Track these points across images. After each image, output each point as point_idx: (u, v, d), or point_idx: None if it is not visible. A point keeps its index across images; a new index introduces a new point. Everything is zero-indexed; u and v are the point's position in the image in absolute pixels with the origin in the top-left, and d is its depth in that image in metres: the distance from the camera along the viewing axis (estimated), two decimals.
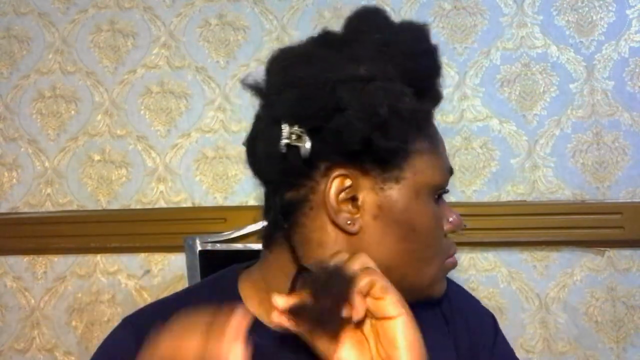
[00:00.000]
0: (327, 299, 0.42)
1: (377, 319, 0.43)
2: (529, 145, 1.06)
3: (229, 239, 1.04)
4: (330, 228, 0.50)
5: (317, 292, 0.42)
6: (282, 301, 0.43)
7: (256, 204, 1.12)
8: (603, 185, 1.04)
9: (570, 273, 1.04)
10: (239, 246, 1.02)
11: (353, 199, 0.50)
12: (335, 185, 0.49)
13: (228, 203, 1.13)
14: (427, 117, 0.54)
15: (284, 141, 0.48)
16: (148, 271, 1.15)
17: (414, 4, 1.11)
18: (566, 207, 1.02)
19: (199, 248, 1.02)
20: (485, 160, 1.07)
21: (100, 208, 1.17)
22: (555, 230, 1.02)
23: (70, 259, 1.18)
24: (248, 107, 1.15)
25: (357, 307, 0.42)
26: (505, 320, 1.04)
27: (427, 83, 0.53)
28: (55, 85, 1.21)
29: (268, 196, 0.56)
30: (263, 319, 0.51)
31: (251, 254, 1.00)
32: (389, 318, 0.42)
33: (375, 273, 0.44)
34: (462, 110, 1.09)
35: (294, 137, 0.48)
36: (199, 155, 1.15)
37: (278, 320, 0.43)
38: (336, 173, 0.49)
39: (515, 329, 1.04)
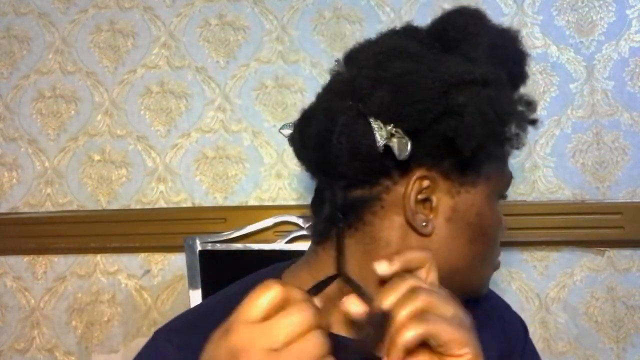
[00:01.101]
0: (371, 343, 0.38)
1: (449, 355, 0.39)
2: (529, 145, 1.06)
3: (229, 239, 1.04)
4: (400, 228, 0.49)
5: (364, 334, 0.39)
6: (351, 306, 0.40)
7: (256, 204, 1.12)
8: (603, 185, 1.04)
9: (570, 273, 1.04)
10: (239, 246, 1.02)
11: (426, 200, 0.49)
12: (416, 186, 0.48)
13: (228, 203, 1.13)
14: None
15: (383, 141, 0.46)
16: (148, 271, 1.15)
17: (414, 4, 1.11)
18: (566, 207, 1.02)
19: (199, 248, 1.02)
20: None
21: (100, 208, 1.17)
22: (555, 230, 1.02)
23: (70, 259, 1.18)
24: (248, 107, 1.16)
25: (392, 358, 0.37)
26: None
27: (519, 88, 0.54)
28: (55, 85, 1.21)
29: (321, 190, 0.53)
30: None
31: (251, 254, 1.00)
32: (454, 357, 0.38)
33: (430, 321, 0.37)
34: None
35: (388, 136, 0.46)
36: (199, 155, 1.15)
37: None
38: (418, 174, 0.48)
39: None
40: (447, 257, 0.49)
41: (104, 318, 1.15)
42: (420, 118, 0.46)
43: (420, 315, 0.38)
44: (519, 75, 0.53)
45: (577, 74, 1.06)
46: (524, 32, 1.08)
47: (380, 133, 0.46)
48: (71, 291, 1.17)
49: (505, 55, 0.51)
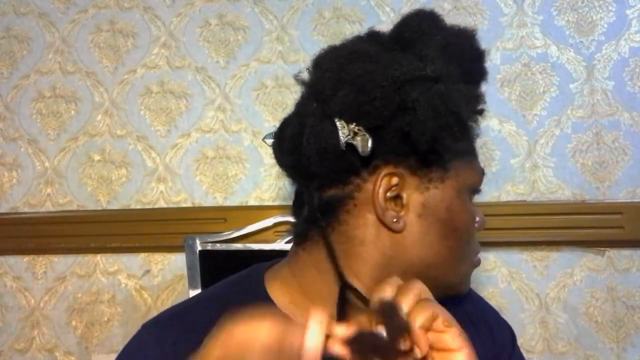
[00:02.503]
0: (386, 334, 0.39)
1: (437, 349, 0.41)
2: (529, 145, 1.06)
3: (229, 239, 1.04)
4: (373, 226, 0.50)
5: (377, 326, 0.40)
6: (343, 331, 0.39)
7: (256, 204, 1.12)
8: (603, 185, 1.04)
9: (570, 273, 1.04)
10: (239, 246, 1.02)
11: (396, 197, 0.51)
12: (384, 183, 0.50)
13: (228, 203, 1.13)
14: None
15: (344, 139, 0.48)
16: (148, 271, 1.15)
17: (414, 4, 1.11)
18: (566, 207, 1.02)
19: (199, 248, 1.02)
20: (485, 161, 1.07)
21: (100, 208, 1.17)
22: (555, 230, 1.02)
23: (70, 259, 1.18)
24: (248, 107, 1.16)
25: (421, 344, 0.39)
26: (505, 320, 1.04)
27: (477, 86, 0.55)
28: (55, 85, 1.21)
29: (301, 193, 0.56)
30: (296, 318, 0.50)
31: (251, 254, 1.00)
32: (450, 350, 0.40)
33: (436, 305, 0.41)
34: None
35: (350, 134, 0.48)
36: (199, 155, 1.15)
37: (338, 351, 0.39)
38: (385, 171, 0.50)
39: (515, 329, 1.03)
40: (421, 253, 0.51)
41: (104, 318, 1.15)
42: (378, 115, 0.47)
43: (423, 300, 0.40)
44: (476, 72, 0.54)
45: (577, 74, 1.06)
46: (524, 32, 1.08)
47: (343, 132, 0.48)
48: (71, 291, 1.17)
49: (459, 53, 0.52)
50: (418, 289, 0.42)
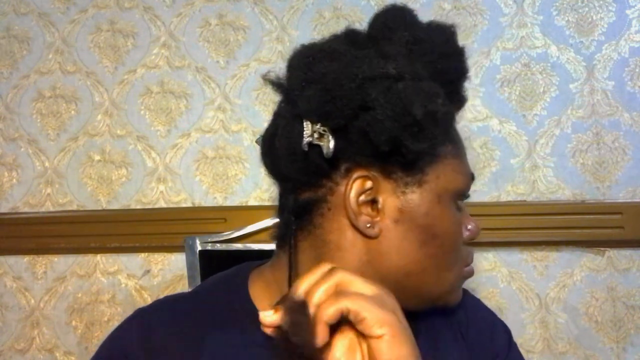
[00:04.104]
0: (299, 331, 0.40)
1: (364, 336, 0.40)
2: (529, 145, 1.06)
3: (229, 239, 1.04)
4: (349, 231, 0.49)
5: (288, 324, 0.40)
6: (265, 319, 0.40)
7: (256, 204, 1.12)
8: (603, 185, 1.04)
9: (570, 273, 1.04)
10: (239, 246, 1.02)
11: (373, 202, 0.49)
12: (355, 187, 0.48)
13: (228, 203, 1.13)
14: (454, 121, 0.53)
15: (307, 139, 0.46)
16: (148, 271, 1.15)
17: (414, 3, 1.11)
18: (566, 207, 1.02)
19: (199, 248, 1.02)
20: (485, 160, 1.07)
21: (100, 208, 1.17)
22: (555, 230, 1.02)
23: (70, 259, 1.18)
24: (248, 107, 1.15)
25: (319, 337, 0.38)
26: (505, 320, 1.03)
27: (454, 85, 0.52)
28: (55, 85, 1.21)
29: (282, 195, 0.54)
30: None
31: (251, 254, 1.00)
32: (373, 337, 0.39)
33: (348, 298, 0.39)
34: (462, 110, 1.08)
35: (316, 135, 0.46)
36: (199, 155, 1.15)
37: (270, 333, 0.41)
38: (357, 174, 0.48)
39: (515, 329, 1.04)
40: (398, 261, 0.48)
41: (104, 318, 1.15)
42: (341, 115, 0.46)
43: (338, 292, 0.39)
44: (451, 70, 0.51)
45: (577, 74, 1.06)
46: (524, 32, 1.08)
47: (307, 132, 0.46)
48: (71, 291, 1.17)
49: (429, 50, 0.49)
50: (334, 281, 0.40)
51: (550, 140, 1.06)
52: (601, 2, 1.06)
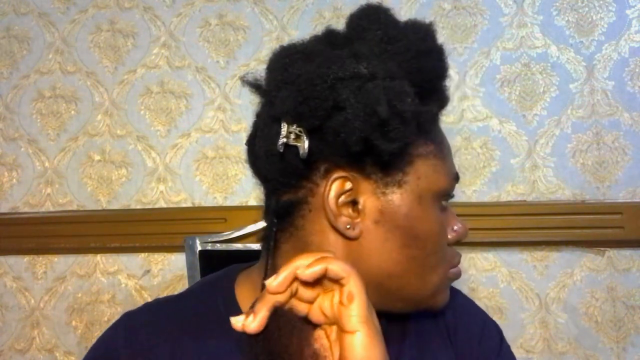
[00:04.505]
0: (277, 342, 0.40)
1: (339, 331, 0.40)
2: (529, 145, 1.06)
3: (229, 239, 1.04)
4: (329, 232, 0.48)
5: (268, 333, 0.40)
6: (236, 324, 0.40)
7: (256, 204, 1.12)
8: (603, 185, 1.04)
9: (570, 273, 1.04)
10: (239, 246, 1.02)
11: (353, 203, 0.48)
12: (334, 187, 0.47)
13: (228, 203, 1.13)
14: (432, 120, 0.52)
15: (282, 140, 0.46)
16: (148, 271, 1.15)
17: (414, 3, 1.11)
18: (566, 207, 1.02)
19: (199, 248, 1.02)
20: (485, 160, 1.07)
21: (100, 208, 1.17)
22: (555, 230, 1.02)
23: (70, 259, 1.18)
24: (248, 107, 1.15)
25: (280, 282, 0.40)
26: (505, 320, 1.04)
27: (432, 84, 0.51)
28: (55, 85, 1.21)
29: (266, 196, 0.55)
30: None
31: (251, 254, 1.00)
32: (348, 332, 0.39)
33: (352, 273, 0.40)
34: (462, 111, 1.09)
35: (292, 136, 0.46)
36: (199, 155, 1.15)
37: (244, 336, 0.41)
38: (335, 175, 0.48)
39: (515, 329, 1.04)
40: (379, 262, 0.48)
41: (104, 318, 1.15)
42: (314, 115, 0.45)
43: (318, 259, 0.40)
44: (427, 69, 0.50)
45: (577, 74, 1.06)
46: (524, 32, 1.08)
47: (283, 133, 0.46)
48: (71, 291, 1.17)
49: (404, 49, 0.48)
50: (338, 263, 0.40)
51: (550, 140, 1.06)
52: (601, 2, 1.06)
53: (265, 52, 1.15)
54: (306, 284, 0.41)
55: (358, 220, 0.48)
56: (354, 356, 0.39)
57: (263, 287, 0.41)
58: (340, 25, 0.54)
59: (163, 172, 1.16)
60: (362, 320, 0.39)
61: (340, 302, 0.40)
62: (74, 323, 1.16)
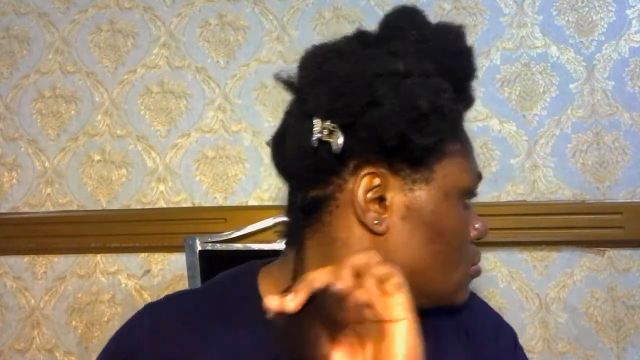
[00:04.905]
0: (309, 323, 0.40)
1: (380, 321, 0.41)
2: (529, 145, 1.06)
3: (229, 239, 1.04)
4: (356, 227, 0.49)
5: (302, 315, 0.40)
6: (271, 303, 0.40)
7: (256, 204, 1.12)
8: (603, 185, 1.04)
9: (570, 273, 1.04)
10: (239, 246, 1.02)
11: (381, 199, 0.49)
12: (363, 183, 0.48)
13: (228, 203, 1.13)
14: (461, 119, 0.54)
15: (316, 136, 0.47)
16: (148, 271, 1.15)
17: (414, 4, 1.11)
18: (566, 207, 1.02)
19: (199, 248, 1.02)
20: (485, 160, 1.07)
21: (100, 208, 1.17)
22: (555, 230, 1.02)
23: (70, 259, 1.18)
24: (248, 107, 1.16)
25: (344, 278, 0.39)
26: (506, 320, 1.04)
27: (462, 84, 0.53)
28: (55, 85, 1.21)
29: (291, 193, 0.55)
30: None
31: (251, 254, 1.00)
32: (392, 321, 0.40)
33: (395, 268, 0.41)
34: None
35: (325, 132, 0.47)
36: (199, 155, 1.15)
37: (272, 319, 0.41)
38: (365, 171, 0.49)
39: (515, 329, 1.03)
40: (404, 257, 0.49)
41: (104, 318, 1.15)
42: (349, 111, 0.46)
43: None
44: (459, 69, 0.52)
45: (577, 74, 1.06)
46: (524, 32, 1.08)
47: (316, 129, 0.47)
48: (71, 291, 1.17)
49: (438, 49, 0.50)
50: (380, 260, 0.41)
51: (550, 140, 1.06)
52: (601, 2, 1.06)
53: (265, 52, 1.15)
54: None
55: (385, 215, 0.49)
56: (399, 343, 0.39)
57: (295, 280, 0.42)
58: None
59: (163, 172, 1.16)
60: (408, 309, 0.40)
61: (384, 293, 0.40)
62: (74, 323, 1.16)
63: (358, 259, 0.41)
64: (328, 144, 0.47)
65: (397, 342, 0.39)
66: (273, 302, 0.40)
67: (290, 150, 0.50)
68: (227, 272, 0.59)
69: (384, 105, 0.46)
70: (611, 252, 1.02)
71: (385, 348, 0.40)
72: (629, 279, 1.02)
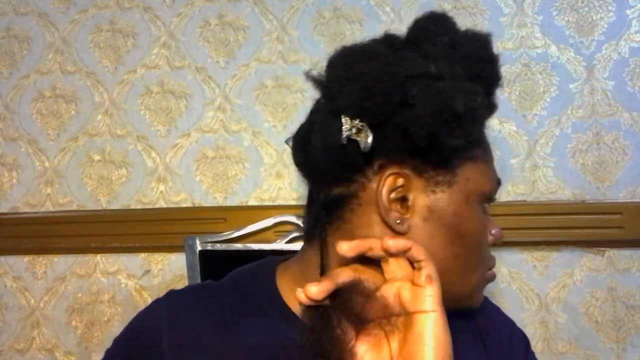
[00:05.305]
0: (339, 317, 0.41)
1: (409, 313, 0.42)
2: (529, 145, 1.06)
3: (229, 239, 1.04)
4: (378, 226, 0.50)
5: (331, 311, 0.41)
6: (310, 289, 0.41)
7: (256, 204, 1.12)
8: (603, 185, 1.04)
9: (570, 273, 1.04)
10: (239, 246, 1.02)
11: (403, 199, 0.50)
12: (388, 183, 0.49)
13: (228, 203, 1.13)
14: (485, 124, 0.55)
15: (345, 133, 0.48)
16: (148, 271, 1.15)
17: (414, 3, 1.11)
18: (566, 207, 1.02)
19: (199, 248, 1.02)
20: None
21: (100, 208, 1.17)
22: (555, 230, 1.02)
23: (70, 259, 1.18)
24: (248, 107, 1.16)
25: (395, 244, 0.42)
26: None
27: (488, 90, 0.54)
28: (55, 85, 1.21)
29: (312, 191, 0.56)
30: (297, 312, 0.51)
31: (251, 254, 1.00)
32: (422, 312, 0.41)
33: (431, 257, 0.43)
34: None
35: (354, 130, 0.48)
36: (199, 155, 1.15)
37: (304, 309, 0.42)
38: (390, 171, 0.49)
39: None
40: None
41: (104, 318, 1.15)
42: (380, 110, 0.47)
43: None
44: (486, 75, 0.53)
45: (577, 74, 1.06)
46: (524, 32, 1.08)
47: (346, 127, 0.48)
48: (71, 291, 1.17)
49: (467, 54, 0.51)
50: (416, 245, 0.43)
51: (550, 140, 1.06)
52: (601, 2, 1.06)
53: (265, 52, 1.15)
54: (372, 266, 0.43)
55: (407, 216, 0.50)
56: (428, 334, 0.40)
57: (322, 275, 0.44)
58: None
59: (163, 172, 1.16)
60: (439, 302, 0.41)
61: (415, 284, 0.42)
62: (74, 323, 1.16)
63: (394, 242, 0.42)
64: (356, 142, 0.48)
65: (426, 333, 0.40)
66: (306, 292, 0.41)
67: (317, 148, 0.50)
68: (244, 268, 0.60)
69: (415, 106, 0.46)
70: (611, 252, 1.02)
71: (412, 339, 0.41)
72: (629, 279, 1.02)
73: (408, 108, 0.47)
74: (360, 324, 0.43)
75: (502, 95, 1.08)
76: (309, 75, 0.55)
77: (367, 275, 0.43)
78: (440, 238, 0.50)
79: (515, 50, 1.08)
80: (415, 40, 0.53)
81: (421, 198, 0.50)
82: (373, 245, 0.43)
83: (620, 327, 1.02)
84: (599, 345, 1.02)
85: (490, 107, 0.56)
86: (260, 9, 1.16)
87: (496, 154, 1.06)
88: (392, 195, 0.49)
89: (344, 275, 0.42)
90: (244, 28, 1.17)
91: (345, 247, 0.43)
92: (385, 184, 0.49)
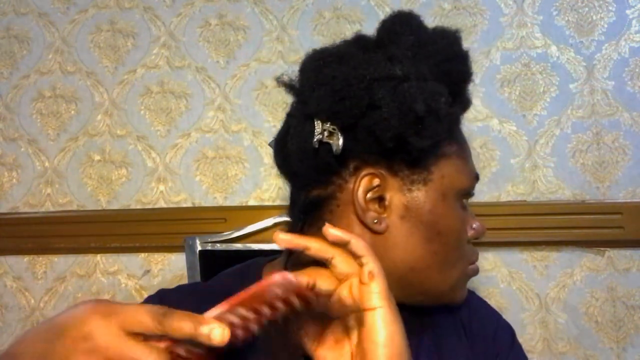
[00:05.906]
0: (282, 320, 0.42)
1: (359, 310, 0.43)
2: (529, 145, 1.06)
3: (229, 239, 1.04)
4: (357, 227, 0.51)
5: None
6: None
7: (256, 204, 1.12)
8: (603, 185, 1.04)
9: (570, 273, 1.04)
10: (238, 246, 1.02)
11: (380, 199, 0.51)
12: (363, 184, 0.50)
13: (228, 203, 1.13)
14: (458, 121, 0.55)
15: (317, 137, 0.49)
16: (148, 271, 1.15)
17: (414, 4, 1.11)
18: (566, 207, 1.02)
19: (199, 248, 1.02)
20: (485, 160, 1.07)
21: (100, 208, 1.17)
22: (555, 230, 1.02)
23: (70, 259, 1.18)
24: (248, 107, 1.16)
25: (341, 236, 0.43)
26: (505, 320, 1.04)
27: (458, 87, 0.54)
28: (55, 85, 1.21)
29: (293, 193, 0.57)
30: None
31: (251, 254, 1.00)
32: (370, 309, 0.42)
33: (371, 253, 0.44)
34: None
35: (326, 133, 0.49)
36: (199, 155, 1.15)
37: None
38: (365, 172, 0.50)
39: (516, 329, 1.03)
40: (403, 256, 0.50)
41: None
42: (349, 114, 0.48)
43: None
44: (455, 73, 0.53)
45: (577, 74, 1.06)
46: (524, 32, 1.08)
47: (317, 130, 0.49)
48: (71, 291, 1.17)
49: (434, 53, 0.52)
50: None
51: (550, 140, 1.06)
52: (601, 2, 1.06)
53: (265, 52, 1.15)
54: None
55: (384, 215, 0.50)
56: (376, 331, 0.41)
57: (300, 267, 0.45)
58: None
59: (163, 172, 1.16)
60: (384, 297, 0.42)
61: (361, 282, 0.42)
62: None
63: (333, 230, 0.44)
64: (329, 145, 0.49)
65: (375, 329, 0.41)
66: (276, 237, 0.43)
67: (292, 151, 0.51)
68: (231, 269, 0.61)
69: (382, 109, 0.47)
70: (611, 252, 1.02)
71: (365, 336, 0.42)
72: (629, 279, 1.02)
73: (375, 111, 0.48)
74: (322, 324, 0.44)
75: (502, 95, 1.08)
76: (279, 81, 0.56)
77: (323, 278, 0.43)
78: (418, 235, 0.50)
79: (515, 50, 1.08)
80: (383, 41, 0.54)
81: (398, 197, 0.50)
82: (310, 245, 0.44)
83: (620, 327, 1.02)
84: (599, 345, 1.02)
85: (463, 104, 0.56)
86: (260, 9, 1.16)
87: (496, 154, 1.07)
88: (369, 195, 0.50)
89: (301, 279, 0.42)
90: (244, 28, 1.17)
91: (281, 237, 0.44)
92: (360, 185, 0.50)
